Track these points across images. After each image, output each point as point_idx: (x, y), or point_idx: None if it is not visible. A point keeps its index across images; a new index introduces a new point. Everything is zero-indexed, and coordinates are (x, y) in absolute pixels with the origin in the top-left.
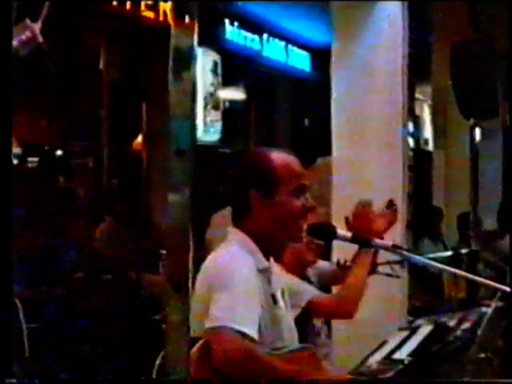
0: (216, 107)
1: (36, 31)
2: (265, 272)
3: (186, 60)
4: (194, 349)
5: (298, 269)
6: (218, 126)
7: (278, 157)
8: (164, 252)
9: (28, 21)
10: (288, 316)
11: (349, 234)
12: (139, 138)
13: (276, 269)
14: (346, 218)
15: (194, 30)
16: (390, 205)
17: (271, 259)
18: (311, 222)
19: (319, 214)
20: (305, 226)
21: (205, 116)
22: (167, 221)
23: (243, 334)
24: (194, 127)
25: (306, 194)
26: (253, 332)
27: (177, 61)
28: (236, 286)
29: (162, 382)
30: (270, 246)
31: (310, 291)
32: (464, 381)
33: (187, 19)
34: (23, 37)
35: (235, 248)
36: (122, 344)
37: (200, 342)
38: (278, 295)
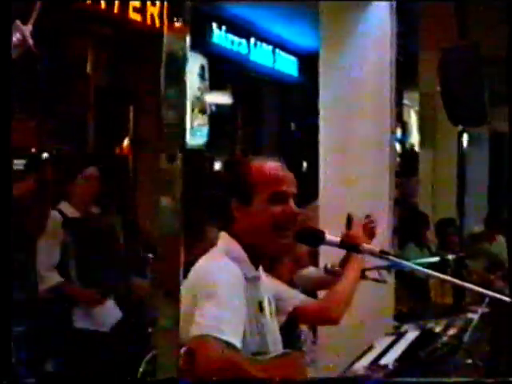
0: (203, 111)
1: (26, 33)
2: (253, 280)
3: (178, 64)
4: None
5: (288, 275)
6: (205, 129)
7: (256, 164)
8: (151, 256)
9: (18, 23)
10: (273, 323)
11: (337, 239)
12: (126, 142)
13: (263, 276)
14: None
15: (186, 33)
16: (368, 221)
17: (260, 267)
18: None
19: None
20: (290, 234)
21: (192, 120)
22: (158, 225)
23: (227, 343)
24: (184, 132)
25: (287, 200)
26: (236, 341)
27: (169, 65)
28: (221, 295)
29: (161, 381)
30: (257, 254)
31: (296, 297)
32: (462, 381)
33: (179, 22)
34: (13, 39)
35: (223, 256)
36: (110, 348)
37: (184, 349)
38: (265, 303)
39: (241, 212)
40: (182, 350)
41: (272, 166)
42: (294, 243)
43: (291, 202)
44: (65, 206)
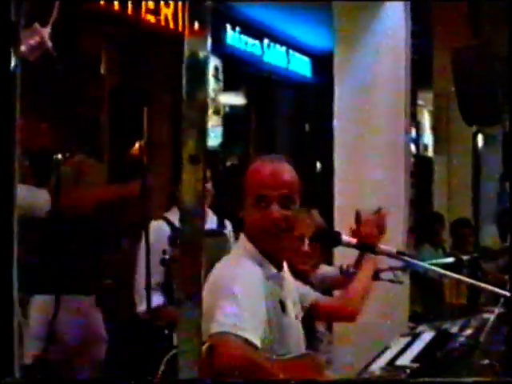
0: (217, 112)
1: (45, 36)
2: (274, 279)
3: (199, 66)
4: None
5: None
6: (219, 131)
7: (253, 166)
8: (167, 257)
9: (37, 25)
10: (297, 325)
11: (354, 241)
12: (141, 144)
13: (288, 276)
14: (352, 228)
15: (206, 34)
16: (379, 215)
17: (285, 267)
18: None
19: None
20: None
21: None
22: (180, 228)
23: (247, 341)
24: (206, 133)
25: (269, 204)
26: (256, 339)
27: (190, 67)
28: (241, 295)
29: (160, 382)
30: (270, 254)
31: (312, 293)
32: (464, 381)
33: (199, 24)
34: (32, 42)
35: (242, 257)
36: (129, 351)
37: (204, 346)
38: (289, 303)
39: (246, 213)
40: (203, 348)
41: (263, 167)
42: (295, 245)
43: (274, 206)
44: (173, 214)
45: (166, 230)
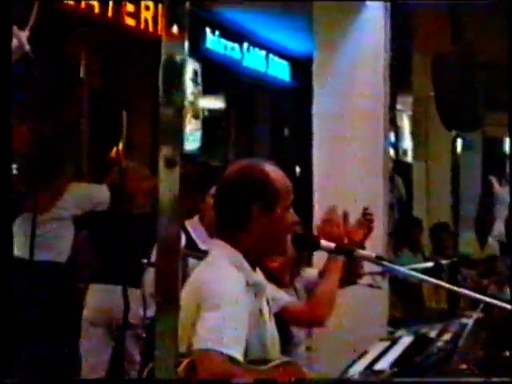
0: (196, 116)
1: (23, 39)
2: (254, 286)
3: (176, 69)
4: (180, 367)
5: (287, 278)
6: (198, 135)
7: (274, 171)
8: (145, 261)
9: (15, 29)
10: (271, 325)
11: (332, 245)
12: (120, 146)
13: (262, 278)
14: (317, 226)
15: (184, 38)
16: (365, 214)
17: (257, 270)
18: None
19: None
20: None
21: (185, 125)
22: (157, 231)
23: (230, 358)
24: (183, 137)
25: (290, 208)
26: (239, 355)
27: (167, 70)
28: (225, 306)
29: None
30: (257, 259)
31: (283, 298)
32: (460, 381)
33: (177, 27)
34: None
35: (224, 264)
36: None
37: (186, 361)
38: (264, 306)
39: (260, 217)
40: (184, 363)
41: (283, 173)
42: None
43: (291, 211)
44: (192, 225)
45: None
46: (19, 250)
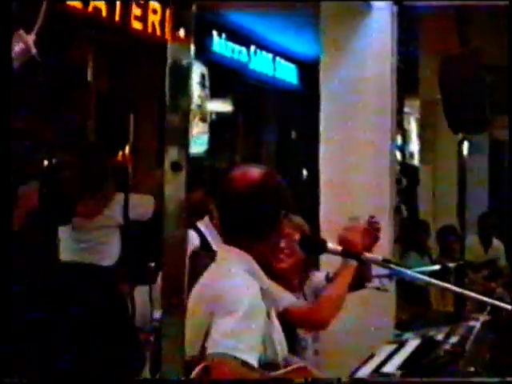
0: (203, 119)
1: (30, 43)
2: (265, 290)
3: (182, 73)
4: (195, 371)
5: (296, 282)
6: (205, 138)
7: (275, 179)
8: (153, 265)
9: (22, 32)
10: (279, 329)
11: (339, 248)
12: (126, 150)
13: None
14: (339, 235)
15: (190, 42)
16: (371, 222)
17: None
18: None
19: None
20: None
21: (192, 128)
22: (163, 235)
23: (244, 363)
24: (188, 141)
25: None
26: (253, 359)
27: (173, 73)
28: (240, 311)
29: (163, 381)
30: (269, 263)
31: (287, 298)
32: (463, 380)
33: (183, 31)
34: (17, 48)
35: (238, 269)
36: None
37: (200, 366)
38: (271, 308)
39: (282, 224)
40: (199, 367)
41: (280, 180)
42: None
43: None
44: (206, 226)
45: (195, 240)
46: (66, 254)
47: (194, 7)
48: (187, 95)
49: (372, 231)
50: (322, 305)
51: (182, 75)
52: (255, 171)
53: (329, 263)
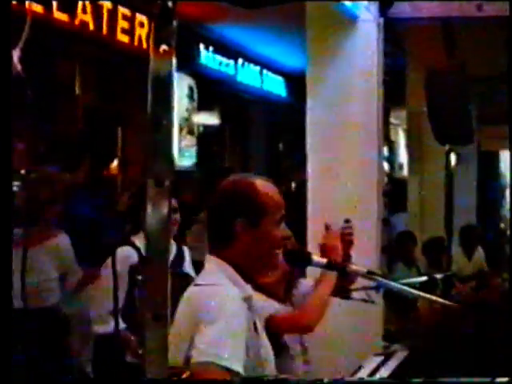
0: (191, 132)
1: (14, 59)
2: (247, 300)
3: (164, 87)
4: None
5: (282, 293)
6: (193, 150)
7: (263, 186)
8: (139, 278)
9: None
10: (265, 338)
11: (324, 260)
12: (114, 163)
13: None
14: (319, 245)
15: (172, 57)
16: (344, 227)
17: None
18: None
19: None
20: (281, 254)
21: (180, 141)
22: (146, 248)
23: (228, 370)
24: (171, 156)
25: (283, 223)
26: (238, 368)
27: (155, 88)
28: (223, 320)
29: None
30: (249, 273)
31: (271, 306)
32: (462, 381)
33: (165, 46)
34: None
35: (220, 279)
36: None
37: (184, 375)
38: (257, 320)
39: (245, 232)
40: (183, 376)
41: (275, 188)
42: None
43: (283, 225)
44: (140, 239)
45: (133, 256)
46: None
47: (175, 23)
48: (170, 110)
49: (346, 236)
50: (305, 309)
51: (163, 91)
52: (231, 179)
53: (315, 270)
